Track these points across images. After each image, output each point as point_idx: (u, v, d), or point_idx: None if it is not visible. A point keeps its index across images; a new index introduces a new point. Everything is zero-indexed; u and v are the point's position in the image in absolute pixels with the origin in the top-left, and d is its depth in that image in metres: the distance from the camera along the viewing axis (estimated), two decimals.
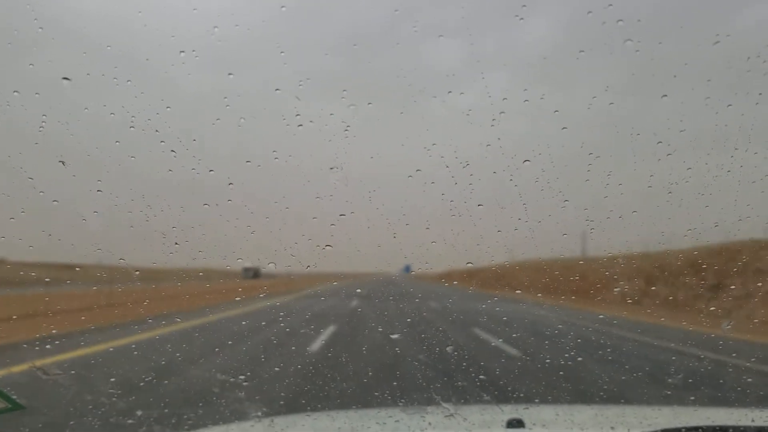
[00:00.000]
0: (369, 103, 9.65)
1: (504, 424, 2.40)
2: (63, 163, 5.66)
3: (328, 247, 8.34)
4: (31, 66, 7.46)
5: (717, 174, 7.39)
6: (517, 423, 2.38)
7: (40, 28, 7.40)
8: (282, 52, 9.25)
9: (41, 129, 6.56)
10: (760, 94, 7.08)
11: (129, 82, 7.08)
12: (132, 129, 6.98)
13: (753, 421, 2.37)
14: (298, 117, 7.38)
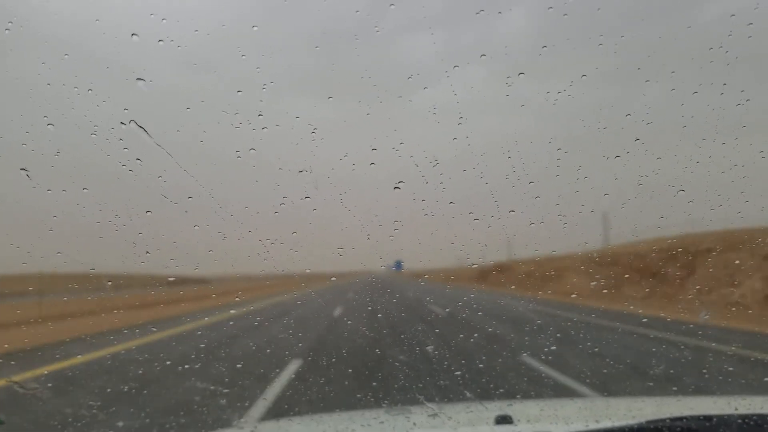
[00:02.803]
0: (330, 97, 9.62)
1: (491, 421, 2.39)
2: (27, 173, 5.56)
3: (293, 251, 8.32)
4: None
5: (686, 165, 7.49)
6: (505, 419, 2.38)
7: None
8: (243, 56, 9.17)
9: (0, 138, 6.45)
10: (725, 84, 7.20)
11: (90, 91, 6.98)
12: (93, 136, 6.88)
13: (736, 409, 2.40)
14: (263, 120, 7.33)
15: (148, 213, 7.10)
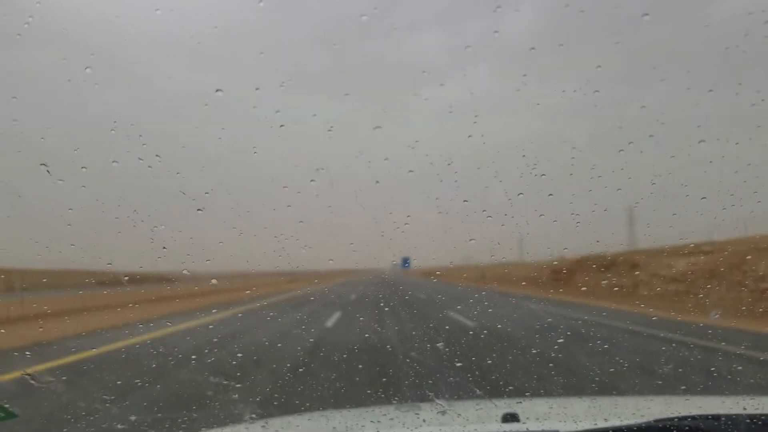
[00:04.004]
0: (346, 94, 9.63)
1: (499, 418, 2.41)
2: (47, 169, 5.61)
3: (308, 247, 8.35)
4: (8, 70, 7.39)
5: (701, 165, 7.46)
6: (512, 417, 2.40)
7: (18, 35, 7.36)
8: (261, 53, 9.23)
9: (21, 133, 6.52)
10: (740, 84, 7.16)
11: (110, 88, 7.04)
12: (113, 132, 6.94)
13: (745, 409, 2.40)
14: (281, 118, 7.36)
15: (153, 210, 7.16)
